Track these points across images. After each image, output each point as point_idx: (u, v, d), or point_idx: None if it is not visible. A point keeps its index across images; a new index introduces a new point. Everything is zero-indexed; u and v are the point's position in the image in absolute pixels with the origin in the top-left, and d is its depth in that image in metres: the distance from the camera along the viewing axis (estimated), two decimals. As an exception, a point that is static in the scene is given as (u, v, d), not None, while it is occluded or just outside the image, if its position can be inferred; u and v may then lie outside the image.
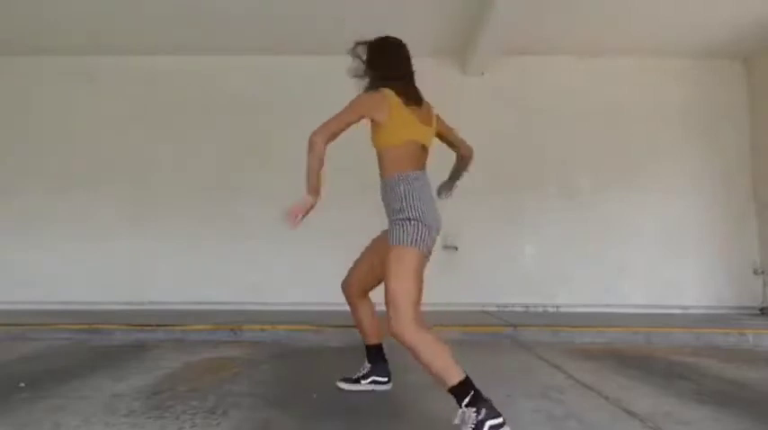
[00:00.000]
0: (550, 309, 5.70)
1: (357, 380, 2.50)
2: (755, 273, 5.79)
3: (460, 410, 1.74)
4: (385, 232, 2.26)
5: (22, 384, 2.47)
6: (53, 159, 5.92)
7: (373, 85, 2.19)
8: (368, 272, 2.38)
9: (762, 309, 5.72)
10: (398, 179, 2.08)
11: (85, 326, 4.09)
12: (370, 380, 2.49)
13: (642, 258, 5.80)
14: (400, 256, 1.94)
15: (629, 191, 5.85)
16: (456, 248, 5.74)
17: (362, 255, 2.43)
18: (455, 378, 1.77)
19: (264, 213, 5.81)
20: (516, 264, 5.77)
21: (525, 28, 5.20)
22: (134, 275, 5.72)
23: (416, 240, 1.96)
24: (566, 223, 5.83)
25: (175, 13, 5.18)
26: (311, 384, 2.55)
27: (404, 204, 2.03)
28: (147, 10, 5.12)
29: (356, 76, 2.29)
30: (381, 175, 2.17)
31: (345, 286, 2.46)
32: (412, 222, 1.99)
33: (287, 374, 2.83)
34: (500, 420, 1.70)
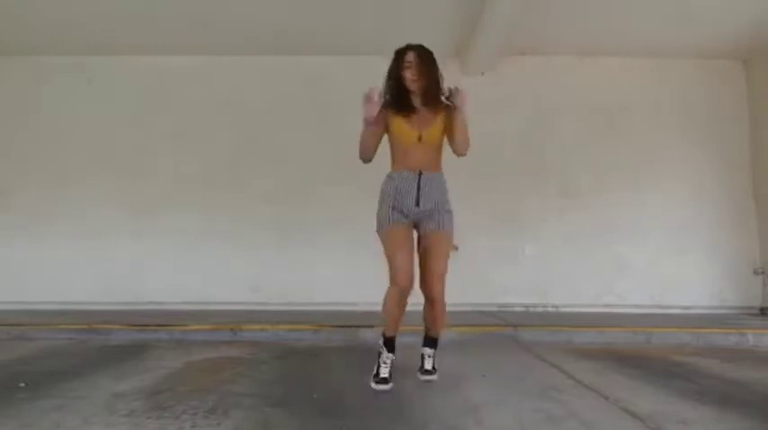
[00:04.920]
0: (550, 309, 5.70)
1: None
2: (755, 273, 5.79)
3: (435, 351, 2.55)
4: (401, 225, 2.42)
5: (22, 384, 2.46)
6: (53, 159, 5.92)
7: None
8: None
9: (762, 309, 5.72)
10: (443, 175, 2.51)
11: (85, 326, 4.08)
12: None
13: (642, 258, 5.80)
14: (451, 240, 2.45)
15: (629, 191, 5.86)
16: (456, 248, 5.72)
17: (412, 254, 2.44)
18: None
19: (264, 213, 5.82)
20: (516, 264, 5.77)
21: (525, 28, 5.20)
22: (134, 275, 5.72)
23: None
24: (566, 223, 5.83)
25: (175, 14, 5.19)
26: (311, 384, 2.55)
27: (448, 197, 2.49)
28: (146, 10, 5.12)
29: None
30: (433, 169, 2.47)
31: (425, 287, 2.47)
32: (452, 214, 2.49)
33: (287, 374, 2.83)
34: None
